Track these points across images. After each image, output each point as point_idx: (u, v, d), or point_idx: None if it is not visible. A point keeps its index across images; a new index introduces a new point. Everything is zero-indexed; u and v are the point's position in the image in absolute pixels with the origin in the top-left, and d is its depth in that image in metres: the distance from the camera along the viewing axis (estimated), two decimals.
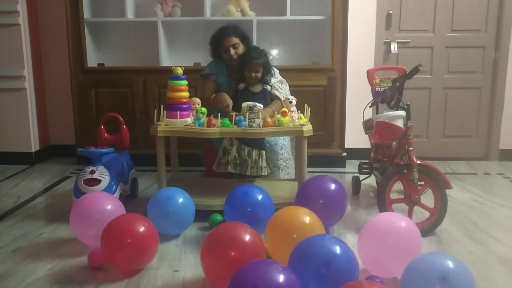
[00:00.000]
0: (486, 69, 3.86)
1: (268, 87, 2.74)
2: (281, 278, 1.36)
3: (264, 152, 2.71)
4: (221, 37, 2.83)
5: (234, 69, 2.84)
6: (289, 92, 3.03)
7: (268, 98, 2.73)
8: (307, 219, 1.85)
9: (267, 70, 2.73)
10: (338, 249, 1.54)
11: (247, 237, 1.68)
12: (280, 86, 2.95)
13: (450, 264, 1.48)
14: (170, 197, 2.20)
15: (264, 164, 2.68)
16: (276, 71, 2.96)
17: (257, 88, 2.72)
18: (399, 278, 1.78)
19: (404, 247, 1.71)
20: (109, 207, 2.07)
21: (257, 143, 2.67)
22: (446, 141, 3.96)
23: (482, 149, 3.96)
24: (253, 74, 2.66)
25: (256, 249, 1.67)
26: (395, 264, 1.70)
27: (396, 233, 1.74)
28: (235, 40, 2.81)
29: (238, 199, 2.17)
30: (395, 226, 1.76)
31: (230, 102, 2.59)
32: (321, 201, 2.16)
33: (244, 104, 2.46)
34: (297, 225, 1.83)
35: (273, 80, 2.85)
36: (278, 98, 2.74)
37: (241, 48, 2.82)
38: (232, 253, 1.63)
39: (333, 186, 2.25)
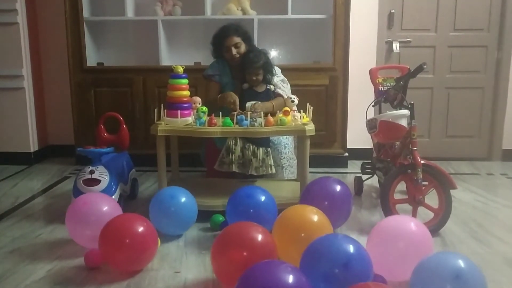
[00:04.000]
0: (489, 68, 3.83)
1: (272, 87, 2.73)
2: (291, 278, 1.33)
3: (270, 150, 2.67)
4: (222, 36, 2.81)
5: (237, 69, 2.81)
6: (290, 91, 3.00)
7: (271, 97, 2.72)
8: (315, 218, 1.82)
9: (267, 70, 2.71)
10: (355, 249, 1.51)
11: (260, 237, 1.65)
12: (282, 84, 2.93)
13: (463, 262, 1.46)
14: (173, 197, 2.17)
15: (271, 162, 2.64)
16: (278, 70, 2.94)
17: (261, 88, 2.71)
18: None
19: (415, 250, 1.68)
20: (105, 208, 2.04)
21: (263, 141, 2.64)
22: (449, 141, 3.94)
23: (485, 149, 3.94)
24: (254, 78, 2.66)
25: (269, 249, 1.64)
26: (405, 267, 1.67)
27: (407, 236, 1.71)
28: (237, 39, 2.79)
29: (241, 201, 2.13)
30: (406, 229, 1.74)
31: (236, 98, 2.56)
32: (326, 203, 2.12)
33: (248, 104, 2.45)
34: (306, 224, 1.80)
35: (275, 79, 2.83)
36: (281, 96, 2.72)
37: (243, 47, 2.80)
38: (244, 253, 1.59)
39: (338, 188, 2.21)
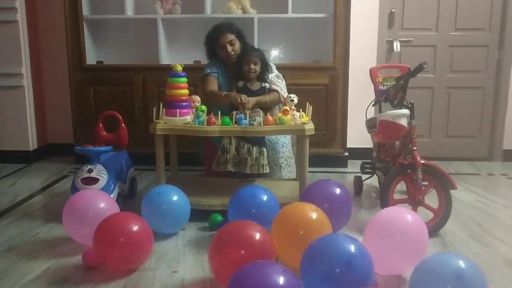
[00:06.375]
0: (490, 68, 3.82)
1: (267, 85, 2.73)
2: (281, 279, 1.31)
3: (265, 150, 2.65)
4: (216, 34, 2.80)
5: (232, 68, 2.80)
6: (285, 87, 2.99)
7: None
8: (314, 215, 1.81)
9: (265, 65, 2.71)
10: (356, 249, 1.49)
11: (257, 236, 1.64)
12: (277, 80, 2.92)
13: (464, 263, 1.45)
14: (161, 194, 2.16)
15: (265, 161, 2.62)
16: (272, 66, 2.94)
17: (256, 86, 2.71)
18: (403, 275, 1.75)
19: (409, 243, 1.69)
20: (102, 205, 2.03)
21: (258, 140, 2.62)
22: (449, 141, 3.93)
23: (486, 149, 3.92)
24: (252, 66, 2.64)
25: (266, 248, 1.63)
26: (400, 261, 1.67)
27: (402, 228, 1.71)
28: (231, 36, 2.78)
29: (243, 201, 2.11)
30: (401, 221, 1.74)
31: (244, 97, 2.53)
32: (325, 205, 2.09)
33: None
34: (304, 221, 1.79)
35: (270, 76, 2.83)
36: (276, 91, 2.73)
37: (237, 45, 2.79)
38: (242, 252, 1.58)
39: (338, 191, 2.19)
